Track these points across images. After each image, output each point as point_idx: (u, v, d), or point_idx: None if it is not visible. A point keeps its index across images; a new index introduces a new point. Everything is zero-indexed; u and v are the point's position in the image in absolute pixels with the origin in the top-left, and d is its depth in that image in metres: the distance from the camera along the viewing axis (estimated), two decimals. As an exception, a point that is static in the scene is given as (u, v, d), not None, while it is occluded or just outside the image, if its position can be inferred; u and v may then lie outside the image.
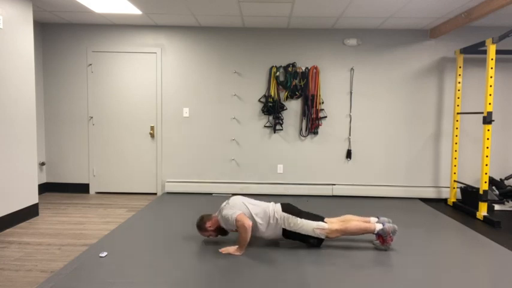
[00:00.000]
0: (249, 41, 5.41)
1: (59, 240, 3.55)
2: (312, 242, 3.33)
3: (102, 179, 5.59)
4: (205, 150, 5.54)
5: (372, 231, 3.31)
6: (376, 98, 5.42)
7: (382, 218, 3.44)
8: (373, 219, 3.45)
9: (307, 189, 5.45)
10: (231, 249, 3.23)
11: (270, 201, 3.48)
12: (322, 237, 3.28)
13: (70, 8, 4.59)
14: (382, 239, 3.34)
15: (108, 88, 5.49)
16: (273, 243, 3.47)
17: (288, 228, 3.28)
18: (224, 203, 3.41)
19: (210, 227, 3.38)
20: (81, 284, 2.63)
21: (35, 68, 4.51)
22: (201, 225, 3.39)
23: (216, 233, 3.42)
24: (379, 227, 3.31)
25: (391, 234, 3.30)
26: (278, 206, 3.37)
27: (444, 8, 4.33)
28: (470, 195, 4.86)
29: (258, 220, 3.28)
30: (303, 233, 3.27)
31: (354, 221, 3.37)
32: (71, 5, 4.47)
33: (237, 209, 3.25)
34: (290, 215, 3.29)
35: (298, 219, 3.28)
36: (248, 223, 3.15)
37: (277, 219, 3.29)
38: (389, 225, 3.32)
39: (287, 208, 3.37)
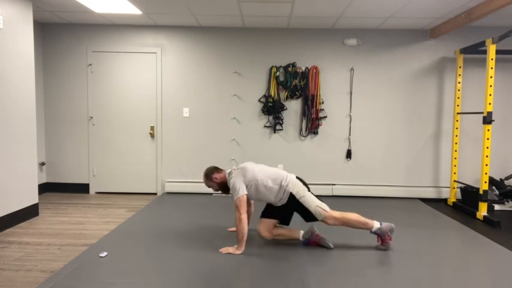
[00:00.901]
0: (249, 41, 5.42)
1: (59, 240, 3.55)
2: (308, 218, 3.36)
3: (102, 179, 5.59)
4: (206, 150, 5.54)
5: (370, 228, 3.31)
6: (376, 98, 5.42)
7: (384, 223, 3.43)
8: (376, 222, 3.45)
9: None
10: (231, 249, 3.24)
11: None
12: (319, 218, 3.30)
13: (70, 8, 4.59)
14: (381, 239, 3.34)
15: (108, 88, 5.49)
16: (273, 243, 3.46)
17: (296, 195, 3.28)
18: (235, 166, 3.43)
19: (216, 179, 3.41)
20: (81, 284, 2.63)
21: (35, 68, 4.50)
22: (208, 174, 3.43)
23: (219, 187, 3.45)
24: (377, 225, 3.31)
25: (388, 233, 3.31)
26: (292, 175, 3.42)
27: (444, 8, 4.33)
28: (470, 195, 4.86)
29: (269, 183, 3.29)
30: (306, 205, 3.28)
31: (355, 214, 3.38)
32: (71, 5, 4.47)
33: (245, 180, 3.25)
34: (301, 184, 3.35)
35: (306, 191, 3.33)
36: (244, 217, 3.16)
37: (288, 183, 3.30)
38: (385, 224, 3.32)
39: (300, 179, 3.41)
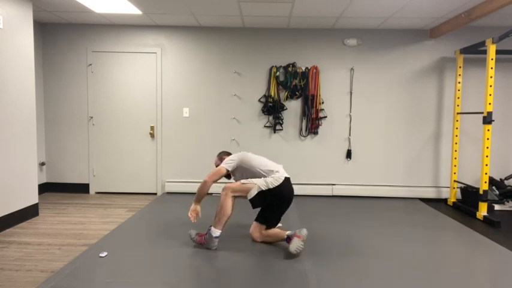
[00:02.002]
0: (249, 41, 5.42)
1: (59, 240, 3.55)
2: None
3: (102, 179, 5.59)
4: (206, 150, 5.54)
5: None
6: (376, 98, 5.42)
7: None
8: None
9: (307, 189, 5.45)
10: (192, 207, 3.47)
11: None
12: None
13: (70, 8, 4.59)
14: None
15: (108, 88, 5.49)
16: (273, 244, 3.46)
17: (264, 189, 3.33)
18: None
19: (223, 159, 3.63)
20: (81, 284, 2.63)
21: (35, 68, 4.50)
22: (220, 153, 3.79)
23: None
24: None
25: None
26: (282, 174, 3.46)
27: (444, 8, 4.33)
28: (470, 195, 4.86)
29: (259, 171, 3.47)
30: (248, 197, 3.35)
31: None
32: (71, 5, 4.47)
33: (232, 162, 3.49)
34: (278, 185, 3.35)
35: (260, 185, 3.34)
36: (208, 182, 3.38)
37: (272, 177, 3.38)
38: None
39: (280, 195, 3.39)
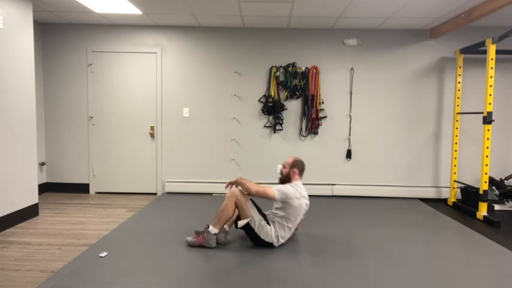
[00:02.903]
0: (249, 41, 5.41)
1: (59, 240, 3.55)
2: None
3: (102, 179, 5.59)
4: (205, 150, 5.54)
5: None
6: (376, 98, 5.42)
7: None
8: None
9: (307, 189, 5.38)
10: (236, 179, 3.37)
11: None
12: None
13: (70, 8, 4.59)
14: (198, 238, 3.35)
15: (108, 88, 5.49)
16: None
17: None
18: (303, 194, 3.44)
19: (294, 173, 3.46)
20: (81, 284, 2.63)
21: (35, 68, 4.50)
22: (297, 163, 3.51)
23: (284, 177, 3.52)
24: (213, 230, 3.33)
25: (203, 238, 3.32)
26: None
27: (444, 8, 4.33)
28: (470, 195, 4.86)
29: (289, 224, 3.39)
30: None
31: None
32: (71, 5, 4.47)
33: (291, 200, 3.29)
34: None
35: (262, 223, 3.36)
36: (254, 190, 3.24)
37: (280, 238, 3.37)
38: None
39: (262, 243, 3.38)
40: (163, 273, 2.84)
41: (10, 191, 3.96)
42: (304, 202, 3.40)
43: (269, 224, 3.33)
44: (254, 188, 3.26)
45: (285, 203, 3.31)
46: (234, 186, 3.41)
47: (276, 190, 3.27)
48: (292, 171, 3.48)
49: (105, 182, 5.60)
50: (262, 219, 3.33)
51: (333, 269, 2.96)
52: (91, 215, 4.44)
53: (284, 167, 3.54)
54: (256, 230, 3.28)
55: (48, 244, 3.46)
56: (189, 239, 3.39)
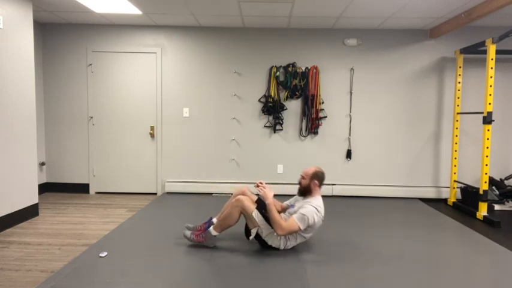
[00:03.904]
0: (249, 41, 5.41)
1: (59, 240, 3.55)
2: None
3: (102, 179, 5.59)
4: (205, 150, 5.54)
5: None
6: (376, 98, 5.42)
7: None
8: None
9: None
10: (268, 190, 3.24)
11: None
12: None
13: (70, 8, 4.59)
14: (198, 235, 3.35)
15: (108, 88, 5.49)
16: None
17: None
18: (319, 203, 3.31)
19: (315, 184, 3.31)
20: (81, 284, 2.63)
21: (35, 68, 4.50)
22: (318, 175, 3.33)
23: (303, 188, 3.36)
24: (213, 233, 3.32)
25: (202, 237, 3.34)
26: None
27: (444, 8, 4.33)
28: (470, 195, 4.86)
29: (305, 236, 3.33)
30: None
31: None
32: (71, 5, 4.47)
33: (312, 222, 3.16)
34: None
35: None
36: (282, 232, 3.11)
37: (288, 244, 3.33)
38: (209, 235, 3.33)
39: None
40: (163, 273, 2.84)
41: (10, 191, 3.96)
42: (322, 219, 3.29)
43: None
44: (281, 232, 3.11)
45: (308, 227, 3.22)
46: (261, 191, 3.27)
47: (296, 222, 3.11)
48: (312, 182, 3.31)
49: (105, 182, 5.60)
50: (270, 227, 3.23)
51: (333, 269, 2.96)
52: (91, 215, 4.44)
53: (303, 177, 3.36)
54: (264, 238, 3.27)
55: (48, 244, 3.46)
56: (188, 234, 3.38)
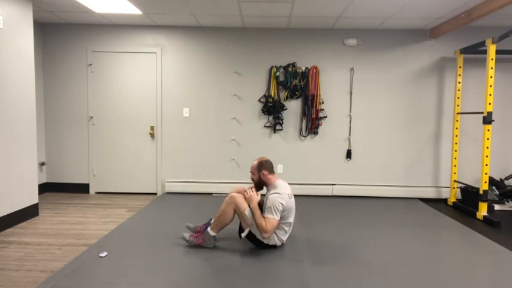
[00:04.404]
0: (249, 41, 5.41)
1: (59, 240, 3.55)
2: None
3: (102, 179, 5.59)
4: (205, 150, 5.54)
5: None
6: (376, 98, 5.42)
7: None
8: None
9: (307, 189, 5.45)
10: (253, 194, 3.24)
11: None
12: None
13: (70, 8, 4.59)
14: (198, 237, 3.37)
15: (108, 88, 5.49)
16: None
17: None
18: (282, 181, 3.40)
19: (263, 175, 3.36)
20: (81, 284, 2.63)
21: (35, 68, 4.50)
22: (262, 164, 3.38)
23: (257, 182, 3.42)
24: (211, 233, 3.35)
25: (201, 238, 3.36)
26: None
27: (444, 8, 4.33)
28: (470, 195, 4.86)
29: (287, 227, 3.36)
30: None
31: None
32: (71, 5, 4.47)
33: (284, 207, 3.19)
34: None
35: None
36: (267, 232, 3.15)
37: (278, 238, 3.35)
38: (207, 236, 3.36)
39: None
40: (163, 273, 2.84)
41: (10, 191, 3.96)
42: (290, 198, 3.30)
43: None
44: (261, 226, 3.14)
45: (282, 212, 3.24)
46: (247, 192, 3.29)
47: (270, 216, 3.14)
48: (261, 173, 3.38)
49: (105, 182, 5.60)
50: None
51: (333, 269, 2.96)
52: (91, 215, 4.44)
53: (252, 173, 3.43)
54: (258, 236, 3.27)
55: (48, 244, 3.46)
56: (187, 236, 3.39)
